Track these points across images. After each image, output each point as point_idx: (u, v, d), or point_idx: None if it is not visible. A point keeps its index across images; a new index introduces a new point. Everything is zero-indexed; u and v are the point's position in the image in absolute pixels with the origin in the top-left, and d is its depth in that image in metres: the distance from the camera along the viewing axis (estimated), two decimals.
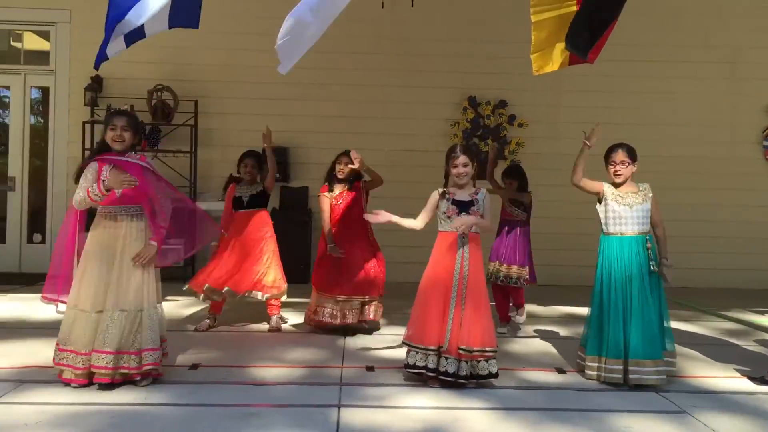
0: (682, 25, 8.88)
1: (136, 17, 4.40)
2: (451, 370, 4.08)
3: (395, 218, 4.34)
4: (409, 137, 8.64)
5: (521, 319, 5.84)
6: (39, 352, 4.60)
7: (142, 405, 3.72)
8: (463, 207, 4.27)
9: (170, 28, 4.98)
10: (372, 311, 5.57)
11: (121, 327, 3.90)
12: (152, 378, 4.06)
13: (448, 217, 4.27)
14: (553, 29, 4.65)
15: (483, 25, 8.75)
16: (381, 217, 4.34)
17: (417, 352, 4.19)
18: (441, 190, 4.35)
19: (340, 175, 5.62)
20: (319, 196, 5.72)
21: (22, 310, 6.24)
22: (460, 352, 4.09)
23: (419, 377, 4.21)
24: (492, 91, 8.81)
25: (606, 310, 4.36)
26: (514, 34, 8.03)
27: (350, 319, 5.47)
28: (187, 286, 5.60)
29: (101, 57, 4.63)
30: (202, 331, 5.53)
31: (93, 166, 4.07)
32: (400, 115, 8.72)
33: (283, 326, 5.78)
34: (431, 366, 4.14)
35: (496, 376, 4.17)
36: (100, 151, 4.18)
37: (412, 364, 4.21)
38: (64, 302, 4.07)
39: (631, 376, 4.20)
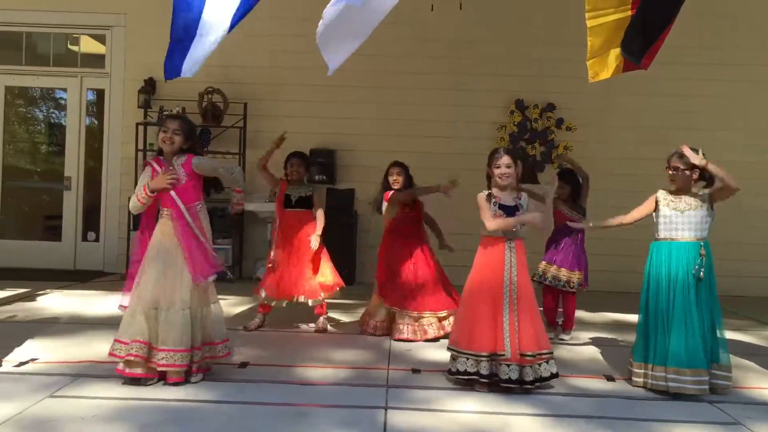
0: (738, 27, 8.66)
1: (206, 38, 4.48)
2: (514, 376, 4.06)
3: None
4: (455, 140, 8.61)
5: (566, 338, 5.65)
6: (94, 347, 4.74)
7: (193, 401, 3.79)
8: (509, 211, 4.25)
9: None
10: (450, 324, 5.42)
11: (181, 325, 3.99)
12: (203, 375, 4.14)
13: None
14: (608, 35, 4.54)
15: (531, 28, 8.68)
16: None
17: (467, 358, 4.16)
18: (486, 192, 4.33)
19: (396, 186, 5.60)
20: (392, 197, 5.57)
21: (77, 306, 6.42)
22: (526, 357, 4.08)
23: (466, 383, 4.19)
24: (540, 94, 8.73)
25: (652, 317, 4.30)
26: (562, 36, 8.00)
27: (431, 335, 5.41)
28: (270, 297, 5.62)
29: (173, 71, 4.66)
30: (250, 330, 5.60)
31: (146, 171, 4.26)
32: (446, 118, 8.71)
33: (329, 327, 5.81)
34: (485, 372, 4.10)
35: (557, 375, 4.21)
36: (159, 153, 4.32)
37: (462, 370, 4.17)
38: None
39: (670, 384, 4.12)
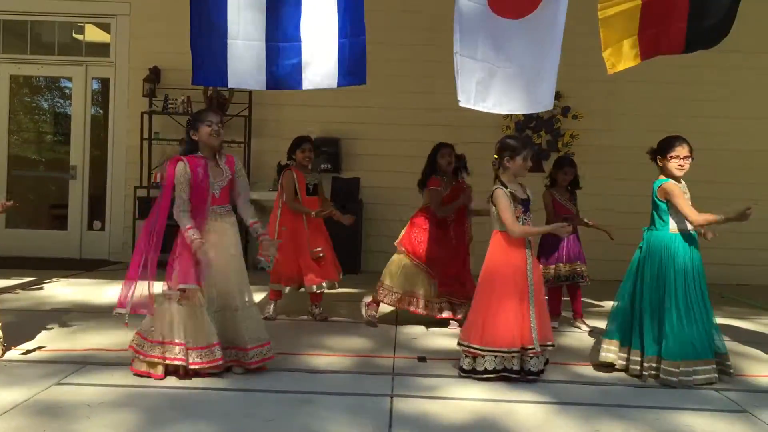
0: (745, 13, 8.54)
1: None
2: (534, 368, 4.08)
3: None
4: (460, 129, 8.55)
5: (586, 328, 5.61)
6: (101, 335, 4.77)
7: (198, 389, 3.81)
8: (526, 205, 4.24)
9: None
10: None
11: (211, 324, 3.93)
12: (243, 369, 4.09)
13: (516, 218, 4.14)
14: (620, 25, 4.48)
15: None
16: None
17: (495, 356, 4.05)
18: (507, 189, 4.20)
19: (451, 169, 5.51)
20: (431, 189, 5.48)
21: (83, 295, 6.44)
22: (547, 348, 4.15)
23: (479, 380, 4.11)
24: None
25: (640, 306, 4.30)
26: (568, 24, 7.91)
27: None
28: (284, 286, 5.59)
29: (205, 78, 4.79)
30: (275, 319, 5.57)
31: (185, 172, 3.97)
32: (451, 106, 8.59)
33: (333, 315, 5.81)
34: (516, 367, 4.07)
35: (548, 362, 4.29)
36: (190, 150, 4.10)
37: (491, 369, 4.06)
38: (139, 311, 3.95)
39: (681, 378, 4.09)
